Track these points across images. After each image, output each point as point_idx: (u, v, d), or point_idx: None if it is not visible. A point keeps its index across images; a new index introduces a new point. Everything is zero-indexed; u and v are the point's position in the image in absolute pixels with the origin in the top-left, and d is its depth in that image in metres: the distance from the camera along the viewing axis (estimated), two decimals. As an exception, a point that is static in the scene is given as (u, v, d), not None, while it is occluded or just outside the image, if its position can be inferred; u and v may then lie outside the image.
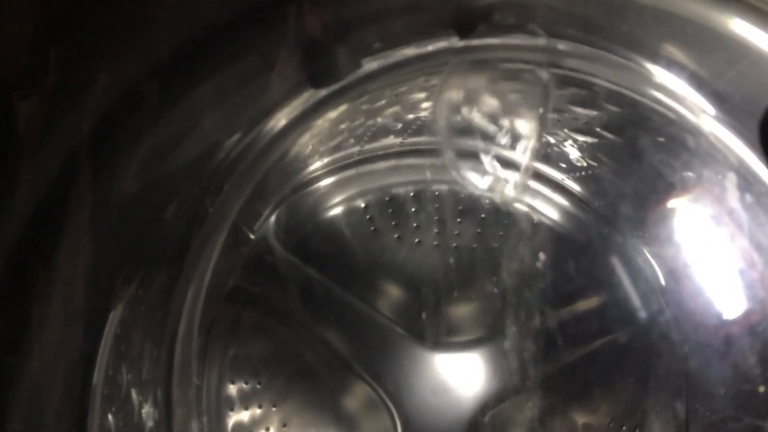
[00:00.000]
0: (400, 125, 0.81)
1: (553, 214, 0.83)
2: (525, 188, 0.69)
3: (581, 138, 0.74)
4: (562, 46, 0.59)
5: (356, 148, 0.82)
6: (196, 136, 0.61)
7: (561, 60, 0.60)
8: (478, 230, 0.85)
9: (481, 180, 0.66)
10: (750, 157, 0.56)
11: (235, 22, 0.56)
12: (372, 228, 0.85)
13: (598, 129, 0.68)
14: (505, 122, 0.63)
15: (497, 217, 0.83)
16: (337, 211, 0.85)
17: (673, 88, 0.58)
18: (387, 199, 0.86)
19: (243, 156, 0.65)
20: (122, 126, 0.56)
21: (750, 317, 0.57)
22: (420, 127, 0.81)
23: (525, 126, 0.61)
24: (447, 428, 0.76)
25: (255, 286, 0.80)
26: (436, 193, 0.86)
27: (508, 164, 0.66)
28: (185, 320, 0.67)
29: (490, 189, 0.66)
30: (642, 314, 0.69)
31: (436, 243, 0.85)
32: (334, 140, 0.78)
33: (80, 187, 0.56)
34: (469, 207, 0.84)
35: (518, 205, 0.82)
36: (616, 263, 0.71)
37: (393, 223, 0.85)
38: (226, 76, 0.58)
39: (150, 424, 0.67)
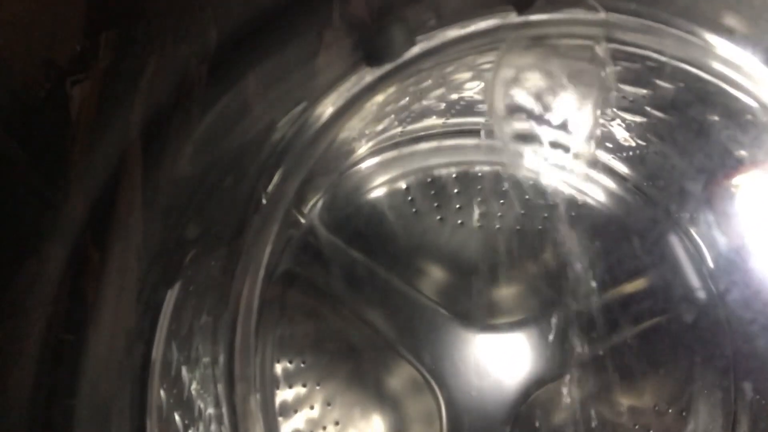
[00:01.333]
0: (443, 105, 0.80)
1: (600, 196, 0.82)
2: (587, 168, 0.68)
3: (629, 117, 0.73)
4: (621, 19, 0.58)
5: (399, 129, 0.81)
6: (248, 120, 0.60)
7: (620, 35, 0.58)
8: (522, 211, 0.84)
9: (535, 161, 0.65)
10: None
11: (284, 6, 0.55)
12: (414, 209, 0.84)
13: (647, 108, 0.67)
14: (561, 101, 0.62)
15: (541, 199, 0.82)
16: (379, 192, 0.84)
17: (738, 62, 0.57)
18: (429, 180, 0.85)
19: (295, 140, 0.65)
20: (174, 111, 0.56)
21: None
22: (463, 108, 0.80)
23: (582, 106, 0.60)
24: (491, 409, 0.76)
25: (300, 267, 0.80)
26: (479, 174, 0.85)
27: (562, 146, 0.65)
28: (245, 300, 0.67)
29: (539, 170, 0.65)
30: (702, 294, 0.67)
31: (479, 224, 0.84)
32: (381, 123, 0.78)
33: (133, 170, 0.56)
34: (512, 188, 0.83)
35: (563, 187, 0.81)
36: (675, 243, 0.70)
37: (435, 204, 0.85)
38: (276, 61, 0.58)
39: (199, 402, 0.67)
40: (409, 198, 0.84)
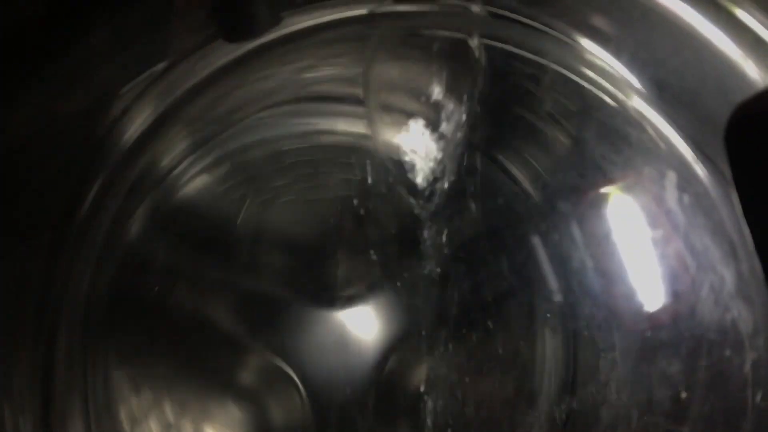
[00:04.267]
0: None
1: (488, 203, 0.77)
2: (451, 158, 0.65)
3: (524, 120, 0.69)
4: (498, 16, 0.55)
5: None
6: (89, 84, 0.53)
7: (496, 32, 0.55)
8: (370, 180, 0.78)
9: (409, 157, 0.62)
10: (690, 155, 0.56)
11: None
12: (240, 194, 0.74)
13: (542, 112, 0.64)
14: (436, 92, 0.59)
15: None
16: (196, 182, 0.73)
17: (616, 73, 0.56)
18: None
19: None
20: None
21: (678, 323, 0.58)
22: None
23: (455, 100, 0.57)
24: (352, 382, 0.75)
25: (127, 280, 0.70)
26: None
27: (437, 139, 0.62)
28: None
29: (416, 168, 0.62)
30: (572, 316, 0.68)
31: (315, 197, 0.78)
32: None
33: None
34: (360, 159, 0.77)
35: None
36: (552, 261, 0.69)
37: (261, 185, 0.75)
38: (125, 22, 0.52)
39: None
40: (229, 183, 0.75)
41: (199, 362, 0.75)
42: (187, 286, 0.73)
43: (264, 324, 0.74)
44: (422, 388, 0.70)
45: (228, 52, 0.59)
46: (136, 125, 0.61)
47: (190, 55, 0.57)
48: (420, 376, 0.77)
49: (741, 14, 0.53)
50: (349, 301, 0.76)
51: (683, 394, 0.59)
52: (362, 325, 0.76)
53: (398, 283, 0.74)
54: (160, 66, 0.58)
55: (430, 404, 0.69)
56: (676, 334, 0.59)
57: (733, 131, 0.34)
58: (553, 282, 0.67)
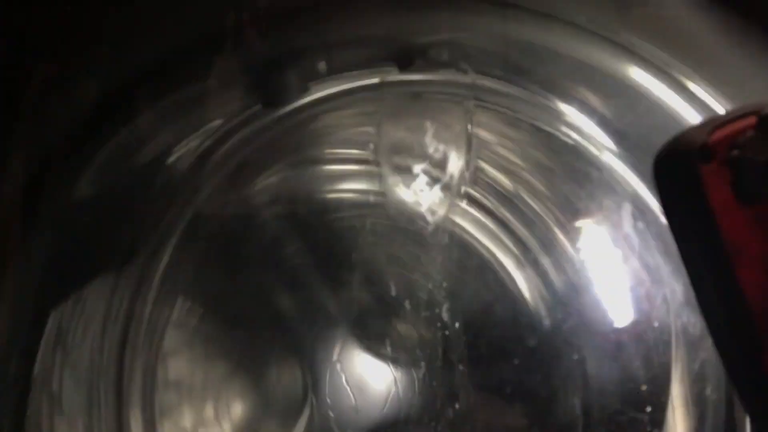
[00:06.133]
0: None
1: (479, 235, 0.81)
2: (452, 206, 0.76)
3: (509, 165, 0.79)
4: (488, 83, 0.68)
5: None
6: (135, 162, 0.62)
7: (486, 96, 0.68)
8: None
9: (413, 197, 0.72)
10: (643, 190, 0.67)
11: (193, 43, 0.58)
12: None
13: (521, 159, 0.75)
14: (437, 148, 0.70)
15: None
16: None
17: (582, 127, 0.68)
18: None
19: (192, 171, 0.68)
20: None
21: (637, 326, 0.68)
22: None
23: (453, 151, 0.69)
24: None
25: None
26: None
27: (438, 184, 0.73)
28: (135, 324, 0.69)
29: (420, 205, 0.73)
30: (547, 322, 0.77)
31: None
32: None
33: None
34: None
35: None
36: (530, 276, 0.79)
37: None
38: (176, 98, 0.62)
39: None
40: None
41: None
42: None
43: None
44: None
45: (262, 118, 0.68)
46: (180, 189, 0.69)
47: (229, 122, 0.67)
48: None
49: (683, 80, 0.66)
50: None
51: (643, 387, 0.68)
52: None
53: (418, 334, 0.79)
54: (202, 135, 0.67)
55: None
56: (636, 337, 0.68)
57: (659, 168, 0.44)
58: (543, 310, 0.76)
